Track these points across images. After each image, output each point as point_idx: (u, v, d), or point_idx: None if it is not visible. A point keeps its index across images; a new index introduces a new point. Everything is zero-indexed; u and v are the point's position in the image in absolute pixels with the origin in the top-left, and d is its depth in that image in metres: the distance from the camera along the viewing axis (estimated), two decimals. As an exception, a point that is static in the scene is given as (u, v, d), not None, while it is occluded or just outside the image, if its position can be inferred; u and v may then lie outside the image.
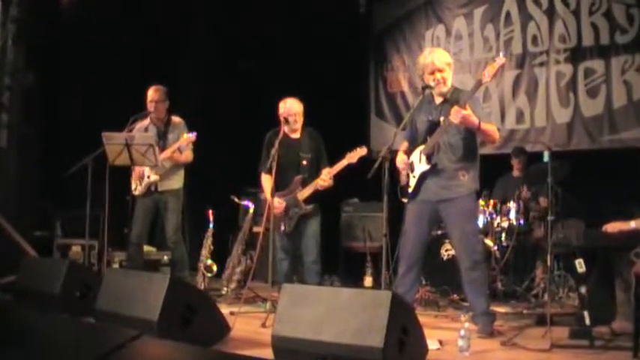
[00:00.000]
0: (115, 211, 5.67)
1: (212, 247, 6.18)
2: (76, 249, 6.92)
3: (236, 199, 6.62)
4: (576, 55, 6.87)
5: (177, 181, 5.91)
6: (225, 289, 6.11)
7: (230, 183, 7.07)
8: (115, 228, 5.96)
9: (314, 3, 7.83)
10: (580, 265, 3.95)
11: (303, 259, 5.39)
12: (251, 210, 6.38)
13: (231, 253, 6.36)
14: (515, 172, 6.62)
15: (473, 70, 7.53)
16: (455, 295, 5.69)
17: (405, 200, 4.64)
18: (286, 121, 5.32)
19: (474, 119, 4.21)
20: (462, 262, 4.44)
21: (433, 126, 4.47)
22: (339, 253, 7.31)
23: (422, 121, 4.60)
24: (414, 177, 4.56)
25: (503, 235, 6.06)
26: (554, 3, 6.99)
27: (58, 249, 7.00)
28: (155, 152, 5.45)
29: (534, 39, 7.15)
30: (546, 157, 4.68)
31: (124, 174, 5.82)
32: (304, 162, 5.38)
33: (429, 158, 4.46)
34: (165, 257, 7.02)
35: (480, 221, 6.01)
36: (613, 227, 3.98)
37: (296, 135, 5.46)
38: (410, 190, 4.57)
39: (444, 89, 4.49)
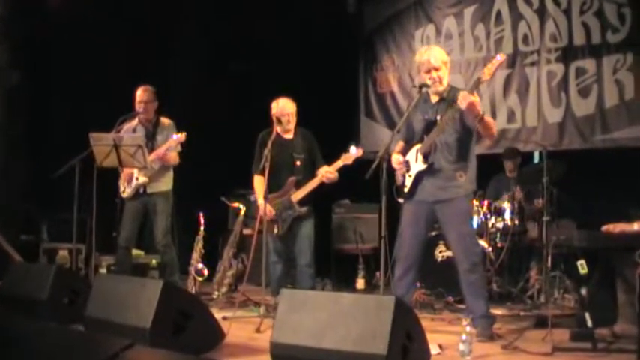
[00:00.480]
0: (103, 214, 5.58)
1: (203, 251, 6.06)
2: (63, 253, 6.77)
3: (226, 201, 6.51)
4: (567, 54, 6.83)
5: (166, 183, 5.81)
6: (216, 292, 5.99)
7: (220, 185, 6.98)
8: (102, 231, 5.84)
9: (304, 4, 7.78)
10: (582, 266, 3.90)
11: (296, 261, 5.30)
12: (242, 212, 6.27)
13: (221, 256, 6.25)
14: (509, 173, 6.56)
15: (463, 70, 7.49)
16: (450, 297, 5.62)
17: (401, 200, 4.57)
18: (279, 121, 5.23)
19: (480, 108, 4.21)
20: (460, 264, 4.37)
21: (429, 125, 4.42)
22: (331, 256, 7.20)
23: (418, 120, 4.54)
24: (410, 176, 4.50)
25: (498, 236, 6.01)
26: (545, 2, 6.94)
27: (44, 253, 6.81)
28: (144, 154, 5.34)
29: (525, 38, 7.10)
30: (537, 158, 4.68)
31: (112, 176, 5.72)
32: (298, 163, 5.29)
33: (425, 158, 4.41)
34: (154, 261, 6.90)
35: (475, 222, 5.94)
36: (615, 227, 3.93)
37: (289, 135, 5.37)
38: (406, 190, 4.50)
39: (441, 88, 4.44)
